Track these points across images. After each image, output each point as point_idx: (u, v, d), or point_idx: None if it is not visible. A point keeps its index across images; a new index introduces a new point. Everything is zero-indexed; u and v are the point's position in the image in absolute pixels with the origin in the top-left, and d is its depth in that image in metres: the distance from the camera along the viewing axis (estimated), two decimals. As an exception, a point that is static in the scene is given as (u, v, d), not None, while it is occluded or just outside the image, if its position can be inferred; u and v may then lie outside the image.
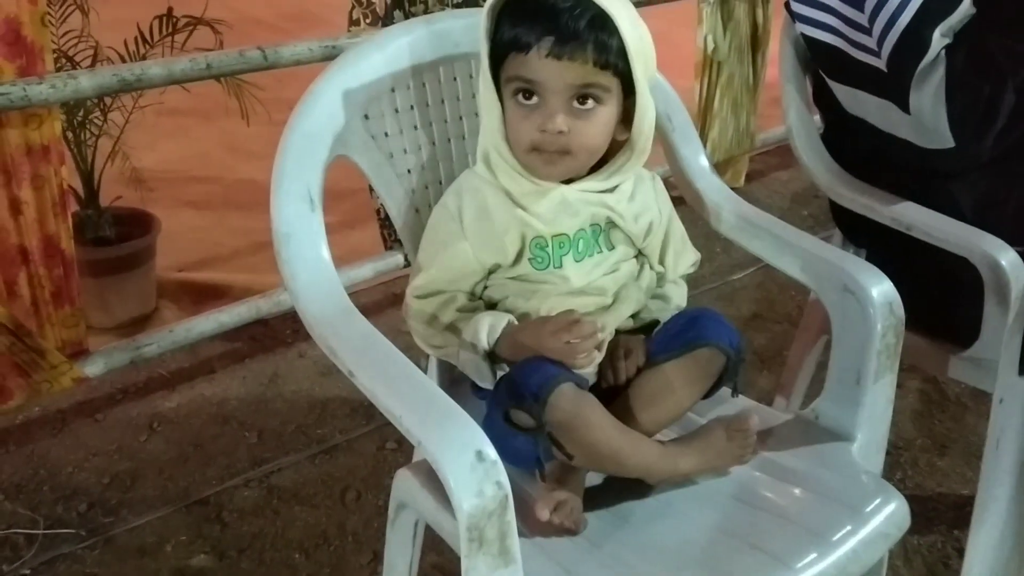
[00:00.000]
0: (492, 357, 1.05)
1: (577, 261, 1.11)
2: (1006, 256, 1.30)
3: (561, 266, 1.10)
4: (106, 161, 2.25)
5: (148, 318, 2.36)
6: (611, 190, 1.11)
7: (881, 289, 1.17)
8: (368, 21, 2.04)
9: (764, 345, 2.38)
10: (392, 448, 1.93)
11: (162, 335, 1.93)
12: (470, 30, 1.22)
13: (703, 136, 2.79)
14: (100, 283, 2.22)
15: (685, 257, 1.22)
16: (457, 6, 2.07)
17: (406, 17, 2.01)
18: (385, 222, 2.27)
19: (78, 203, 2.22)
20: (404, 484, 1.09)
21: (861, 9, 1.35)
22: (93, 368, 1.82)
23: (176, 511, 1.76)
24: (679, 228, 1.22)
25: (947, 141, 1.33)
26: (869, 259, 1.52)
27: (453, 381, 1.22)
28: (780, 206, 3.11)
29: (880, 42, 1.33)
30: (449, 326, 1.08)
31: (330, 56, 1.91)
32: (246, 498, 1.80)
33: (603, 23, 0.99)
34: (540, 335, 1.01)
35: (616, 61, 1.01)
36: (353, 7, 2.04)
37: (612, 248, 1.13)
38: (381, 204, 2.24)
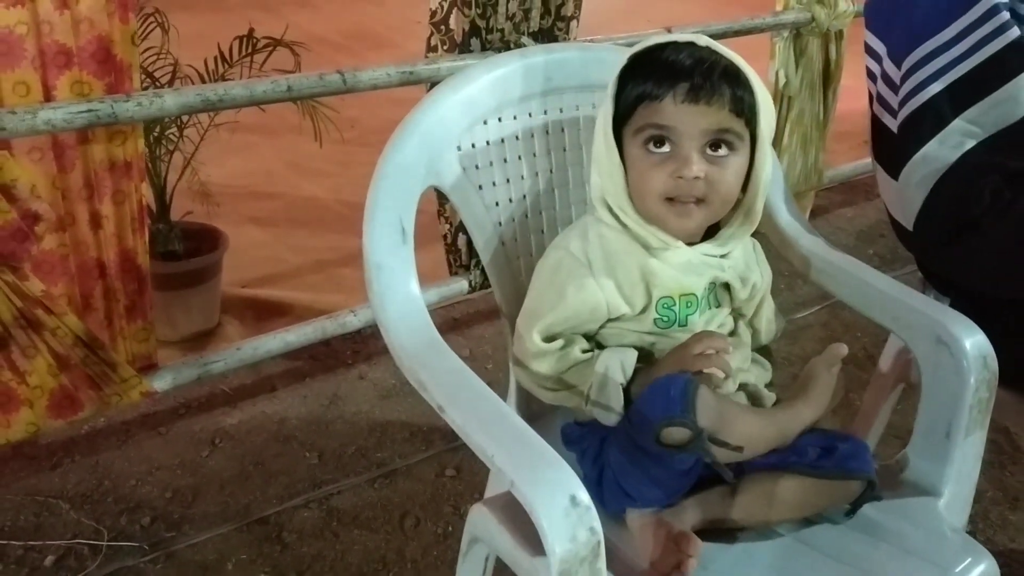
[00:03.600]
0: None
1: (701, 317, 1.11)
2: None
3: (686, 324, 1.09)
4: (179, 176, 2.28)
5: (211, 333, 2.38)
6: (726, 255, 1.11)
7: (975, 341, 1.14)
8: (445, 48, 2.04)
9: (828, 386, 2.33)
10: (451, 475, 1.92)
11: (229, 352, 1.94)
12: (562, 65, 1.22)
13: (770, 171, 2.76)
14: (167, 297, 2.24)
15: (775, 324, 1.22)
16: (533, 34, 2.07)
17: (483, 45, 2.01)
18: (452, 248, 2.26)
19: (150, 217, 2.25)
20: (480, 519, 1.08)
21: (899, 66, 1.33)
22: (161, 383, 1.84)
23: (237, 529, 1.76)
24: (770, 296, 1.21)
25: (908, 221, 1.30)
26: (953, 306, 1.50)
27: (531, 417, 1.21)
28: (845, 243, 3.07)
29: (902, 103, 1.31)
30: (572, 368, 1.06)
31: (407, 81, 1.92)
32: (306, 519, 1.79)
33: (736, 75, 1.02)
34: (684, 358, 1.01)
35: (748, 111, 1.02)
36: (432, 33, 2.05)
37: (719, 306, 1.13)
38: (448, 229, 2.24)
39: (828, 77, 2.71)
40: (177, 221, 2.32)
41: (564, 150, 1.24)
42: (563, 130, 1.23)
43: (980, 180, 1.28)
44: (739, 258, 1.14)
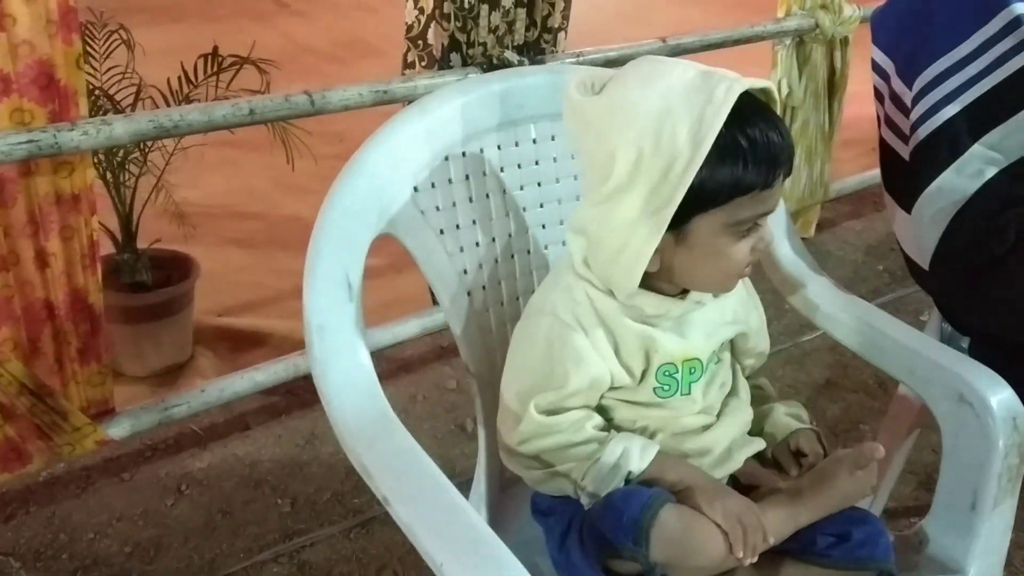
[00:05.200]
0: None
1: (703, 383, 0.99)
2: None
3: (689, 392, 0.97)
4: (145, 201, 2.15)
5: (183, 367, 2.25)
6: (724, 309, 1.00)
7: (1003, 400, 1.01)
8: (424, 64, 1.92)
9: (838, 416, 2.20)
10: (433, 522, 1.79)
11: (192, 395, 1.81)
12: (536, 90, 1.09)
13: (773, 186, 2.63)
14: (135, 330, 2.12)
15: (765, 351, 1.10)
16: (518, 48, 1.94)
17: (464, 60, 1.88)
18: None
19: (115, 246, 2.13)
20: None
21: (910, 86, 1.19)
22: (118, 430, 1.71)
23: (199, 588, 1.63)
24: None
25: (923, 260, 1.16)
26: (973, 346, 1.36)
27: (504, 484, 1.08)
28: (853, 259, 2.93)
29: (914, 127, 1.17)
30: (580, 444, 0.93)
31: (381, 101, 1.79)
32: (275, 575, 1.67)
33: None
34: (736, 498, 0.90)
35: None
36: (408, 49, 1.92)
37: (720, 360, 1.02)
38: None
39: (833, 86, 2.58)
40: (145, 249, 2.19)
41: (539, 185, 1.11)
42: (537, 163, 1.10)
43: (1003, 214, 1.15)
44: (735, 303, 1.02)
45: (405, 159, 1.00)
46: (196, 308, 2.32)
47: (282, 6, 5.74)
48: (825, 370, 2.36)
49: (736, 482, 1.01)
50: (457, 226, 1.05)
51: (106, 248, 2.14)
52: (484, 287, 1.06)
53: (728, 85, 0.86)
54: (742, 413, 1.03)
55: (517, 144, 1.09)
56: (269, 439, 2.03)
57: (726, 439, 1.00)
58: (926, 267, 1.18)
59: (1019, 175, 1.16)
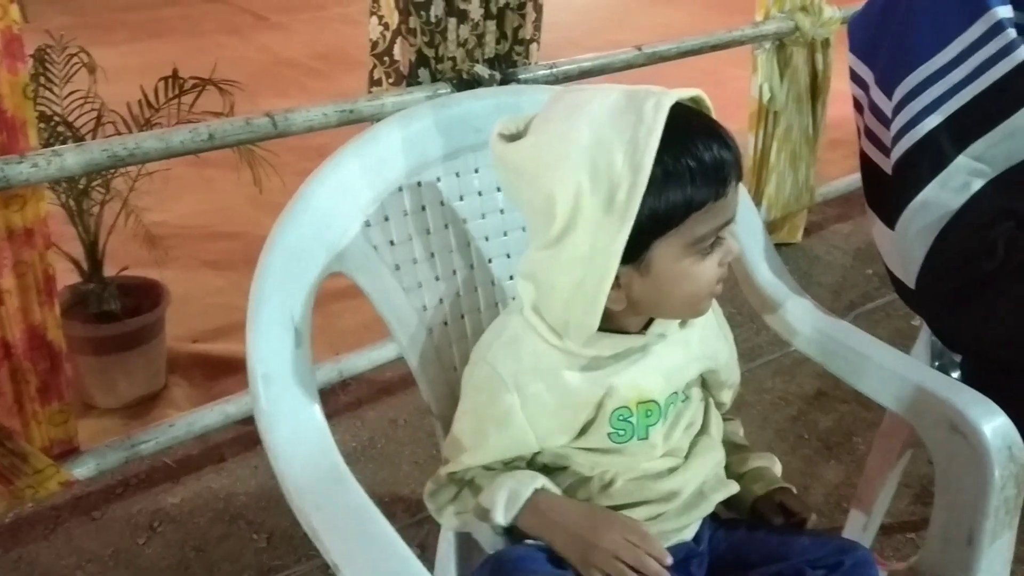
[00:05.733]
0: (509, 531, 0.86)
1: (663, 426, 0.93)
2: None
3: (647, 436, 0.91)
4: (111, 228, 2.08)
5: (157, 396, 2.19)
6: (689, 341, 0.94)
7: (997, 428, 0.96)
8: (391, 81, 1.86)
9: (830, 428, 2.14)
10: (416, 553, 1.73)
11: (160, 430, 1.75)
12: (493, 113, 1.03)
13: (758, 192, 2.58)
14: (104, 362, 2.05)
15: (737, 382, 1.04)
16: (489, 61, 1.89)
17: (433, 76, 1.83)
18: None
19: (80, 275, 2.06)
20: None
21: (890, 96, 1.14)
22: (83, 470, 1.65)
23: (171, 633, 1.57)
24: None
25: (909, 278, 1.10)
26: (965, 363, 1.31)
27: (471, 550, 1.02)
28: (842, 264, 2.88)
29: (896, 139, 1.11)
30: (473, 489, 0.90)
31: (347, 121, 1.73)
32: (250, 617, 1.61)
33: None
34: (607, 532, 0.84)
35: None
36: (374, 66, 1.86)
37: (687, 399, 0.95)
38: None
39: (816, 89, 2.53)
40: (113, 277, 2.12)
41: (501, 212, 1.05)
42: (498, 189, 1.05)
43: (992, 229, 1.09)
44: (701, 335, 0.96)
45: (354, 192, 0.94)
46: (169, 334, 2.26)
47: (261, 20, 5.68)
48: (815, 380, 2.31)
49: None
50: (414, 260, 0.99)
51: (73, 278, 2.09)
52: (446, 323, 1.01)
53: (656, 101, 0.81)
54: (713, 453, 0.97)
55: (476, 171, 1.03)
56: (245, 471, 1.97)
57: (696, 481, 0.94)
58: (912, 285, 1.13)
59: (1006, 187, 1.11)
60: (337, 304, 2.41)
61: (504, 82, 1.86)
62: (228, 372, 2.28)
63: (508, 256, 1.05)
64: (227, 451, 2.02)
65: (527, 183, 0.84)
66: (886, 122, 1.16)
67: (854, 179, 3.04)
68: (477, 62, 1.87)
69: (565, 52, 2.11)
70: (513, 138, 0.86)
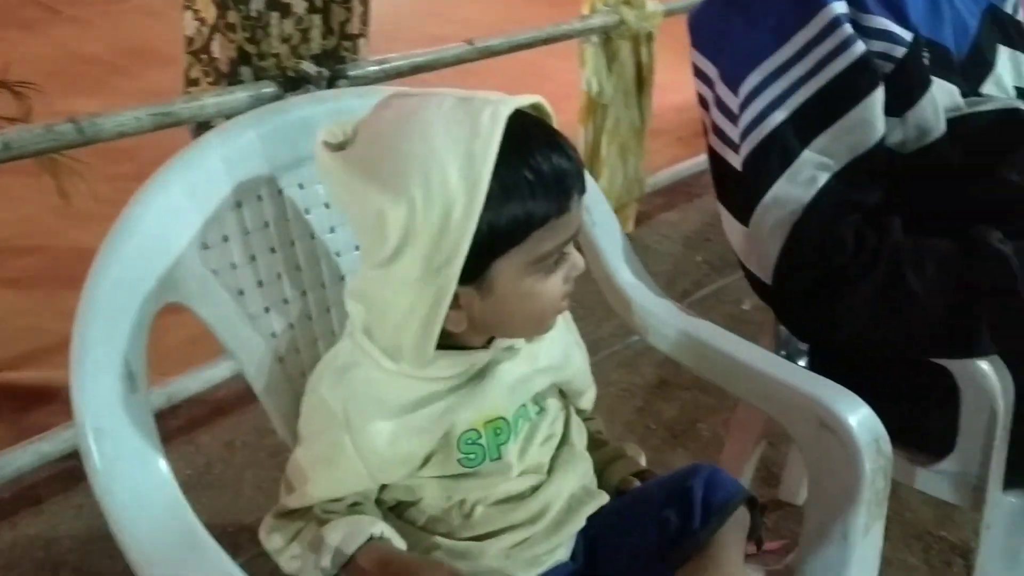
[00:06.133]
0: None
1: (515, 443, 0.87)
2: (989, 363, 1.11)
3: (500, 456, 0.85)
4: None
5: (-41, 437, 1.96)
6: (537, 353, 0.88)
7: (864, 422, 0.96)
8: (210, 80, 1.73)
9: (674, 417, 2.17)
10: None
11: (-37, 478, 1.56)
12: (340, 117, 0.94)
13: (592, 185, 2.58)
14: None
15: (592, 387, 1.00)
16: (316, 58, 1.78)
17: (255, 75, 1.71)
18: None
19: None
20: None
21: (736, 93, 1.14)
22: None
23: None
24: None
25: (766, 274, 1.13)
26: (813, 353, 1.33)
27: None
28: (672, 252, 2.94)
29: (744, 136, 1.12)
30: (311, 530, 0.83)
31: (163, 124, 1.59)
32: None
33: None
34: None
35: None
36: (191, 65, 1.73)
37: (543, 411, 0.89)
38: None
39: (642, 82, 2.55)
40: None
41: (333, 230, 0.97)
42: (327, 206, 0.97)
43: (840, 222, 1.11)
44: (550, 345, 0.90)
45: (184, 212, 0.84)
46: (-32, 368, 2.03)
47: (54, 13, 5.26)
48: (657, 369, 2.34)
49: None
50: (259, 283, 0.89)
51: None
52: (298, 350, 0.92)
53: (493, 110, 0.75)
54: (579, 464, 0.93)
55: (302, 187, 0.95)
56: (68, 512, 1.79)
57: (562, 497, 0.90)
58: (769, 281, 1.13)
59: (849, 179, 1.12)
60: (161, 319, 2.25)
61: (333, 79, 1.76)
62: (41, 403, 2.07)
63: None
64: (44, 492, 1.83)
65: (355, 198, 0.77)
66: (733, 118, 1.15)
67: (678, 169, 3.13)
68: (303, 59, 1.76)
69: (379, 48, 2.03)
70: (340, 147, 0.79)
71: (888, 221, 1.12)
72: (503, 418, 0.85)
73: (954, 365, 1.12)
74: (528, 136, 0.77)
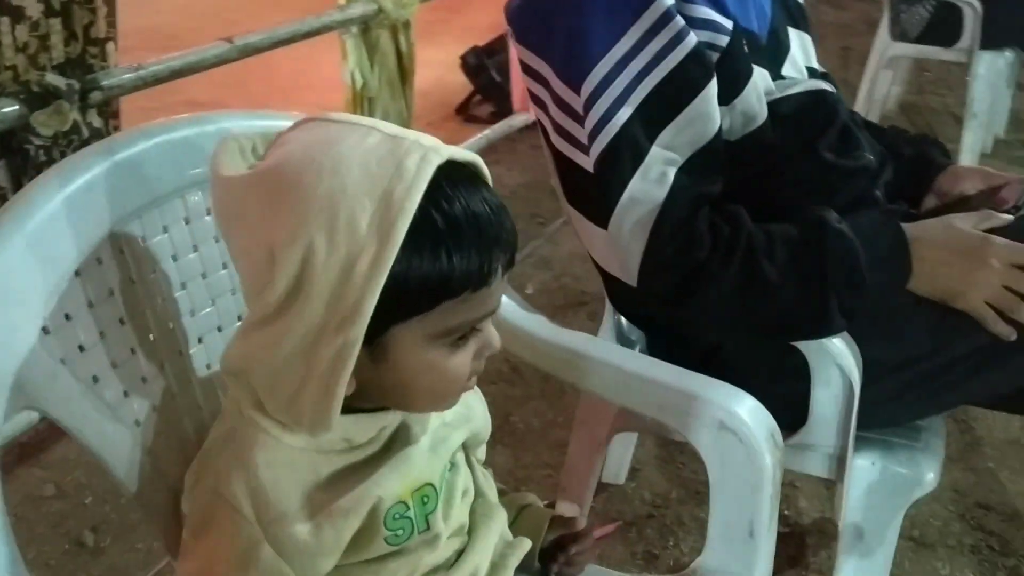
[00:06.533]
0: None
1: (441, 508, 0.78)
2: (840, 337, 1.15)
3: (428, 527, 0.76)
4: None
5: None
6: None
7: (758, 417, 0.97)
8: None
9: (483, 412, 2.13)
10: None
11: None
12: (176, 151, 0.80)
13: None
14: None
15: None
16: (60, 67, 1.54)
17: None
18: None
19: None
20: None
21: (578, 91, 1.10)
22: None
23: None
24: None
25: (630, 276, 1.12)
26: (649, 338, 1.33)
27: None
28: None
29: (593, 136, 1.10)
30: None
31: None
32: None
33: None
34: None
35: None
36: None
37: (454, 466, 0.81)
38: None
39: (403, 71, 2.48)
40: None
41: (203, 276, 0.84)
42: (196, 248, 0.83)
43: (696, 217, 1.10)
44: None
45: (20, 290, 0.67)
46: None
47: None
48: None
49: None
50: (114, 364, 0.74)
51: None
52: (167, 436, 0.77)
53: (422, 155, 0.65)
54: (497, 516, 0.85)
55: (165, 229, 0.80)
56: None
57: (487, 555, 0.82)
58: (634, 283, 1.11)
59: (694, 172, 1.12)
60: None
61: (85, 91, 1.54)
62: None
63: (220, 329, 0.84)
64: None
65: (246, 231, 0.66)
66: (578, 118, 1.11)
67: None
68: (45, 69, 1.53)
69: (137, 47, 1.82)
70: (243, 165, 0.67)
71: (735, 211, 1.14)
72: (431, 484, 0.76)
73: (806, 343, 1.16)
74: (458, 193, 0.66)
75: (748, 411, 0.96)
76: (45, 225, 0.70)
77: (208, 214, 0.83)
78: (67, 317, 0.70)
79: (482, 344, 0.72)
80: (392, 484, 0.73)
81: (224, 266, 0.85)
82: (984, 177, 1.33)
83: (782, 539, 1.77)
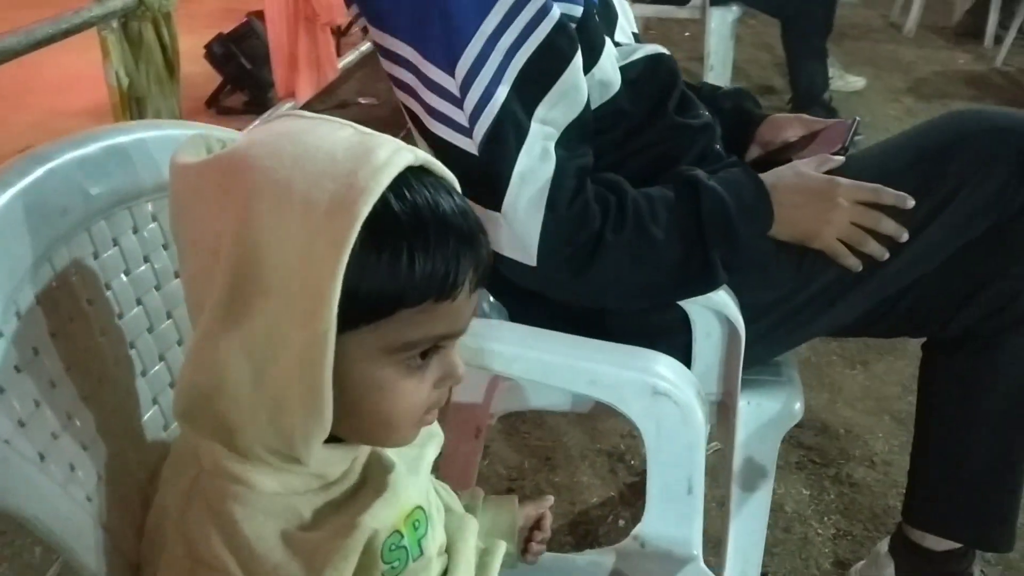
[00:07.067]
0: None
1: (431, 531, 0.74)
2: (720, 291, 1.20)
3: (421, 552, 0.71)
4: None
5: None
6: None
7: (685, 378, 1.01)
8: None
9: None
10: None
11: None
12: (86, 172, 0.69)
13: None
14: None
15: None
16: None
17: None
18: None
19: None
20: None
21: (452, 74, 1.07)
22: None
23: None
24: None
25: (528, 257, 1.11)
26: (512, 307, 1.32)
27: None
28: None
29: (474, 118, 1.08)
30: None
31: None
32: None
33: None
34: None
35: None
36: None
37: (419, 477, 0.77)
38: None
39: (169, 65, 2.29)
40: None
41: (156, 288, 0.74)
42: (147, 259, 0.73)
43: (583, 188, 1.11)
44: None
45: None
46: None
47: None
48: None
49: None
50: (53, 435, 0.63)
51: None
52: (118, 507, 0.67)
53: (395, 148, 0.61)
54: (469, 526, 0.82)
55: (115, 242, 0.70)
56: None
57: (471, 570, 0.79)
58: (533, 262, 1.09)
59: (569, 145, 1.12)
60: None
61: None
62: None
63: (161, 359, 0.75)
64: None
65: (196, 221, 0.60)
66: (455, 101, 1.08)
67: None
68: None
69: None
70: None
71: (614, 178, 1.15)
72: (419, 507, 0.72)
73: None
74: (426, 191, 0.62)
75: (675, 373, 0.98)
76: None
77: (154, 219, 0.73)
78: (1, 388, 0.59)
79: (444, 372, 0.66)
80: (385, 514, 0.68)
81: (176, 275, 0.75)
82: (802, 123, 1.43)
83: (635, 489, 1.88)
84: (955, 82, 4.54)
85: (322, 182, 0.57)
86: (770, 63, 4.57)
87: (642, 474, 1.93)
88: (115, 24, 2.08)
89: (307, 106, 3.30)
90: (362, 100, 3.68)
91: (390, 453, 0.71)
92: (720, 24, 3.58)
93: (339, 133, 0.61)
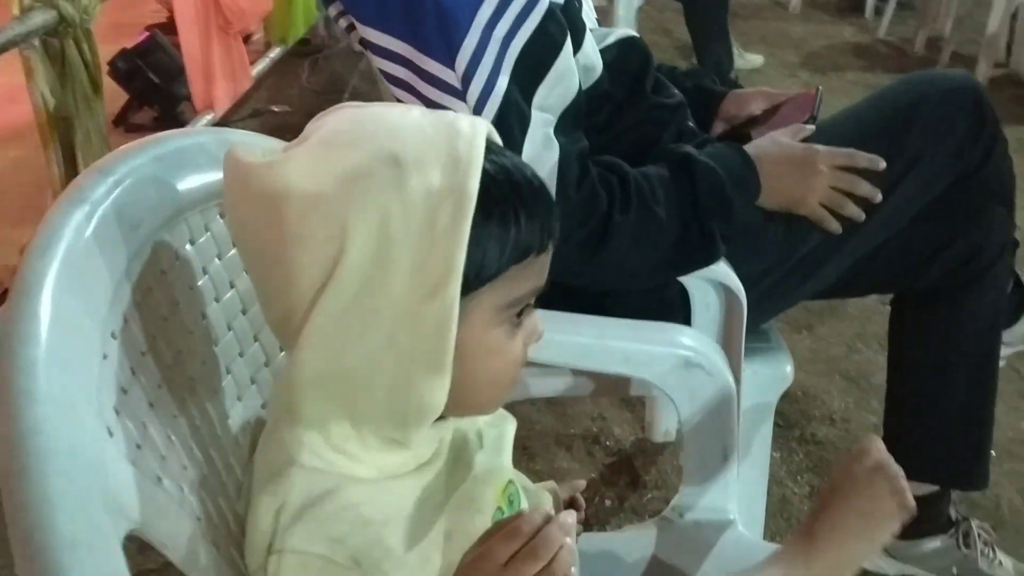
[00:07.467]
0: None
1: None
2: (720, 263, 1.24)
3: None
4: None
5: None
6: None
7: (712, 347, 1.03)
8: None
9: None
10: None
11: None
12: (157, 189, 0.68)
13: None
14: None
15: None
16: None
17: None
18: None
19: None
20: None
21: (452, 67, 1.08)
22: None
23: None
24: None
25: None
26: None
27: None
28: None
29: (477, 111, 1.08)
30: None
31: None
32: None
33: None
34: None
35: None
36: None
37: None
38: None
39: (93, 83, 2.21)
40: None
41: (231, 286, 0.72)
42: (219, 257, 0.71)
43: (587, 171, 1.12)
44: None
45: (84, 377, 0.53)
46: None
47: None
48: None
49: None
50: (162, 456, 0.61)
51: None
52: (221, 519, 0.66)
53: (471, 119, 0.65)
54: (545, 499, 0.83)
55: (192, 242, 0.68)
56: None
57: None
58: None
59: (567, 131, 1.14)
60: None
61: None
62: None
63: (237, 355, 0.73)
64: None
65: (299, 214, 0.59)
66: (458, 94, 1.08)
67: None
68: None
69: None
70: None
71: (612, 160, 1.17)
72: (511, 480, 0.74)
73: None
74: (507, 157, 0.66)
75: (703, 344, 1.01)
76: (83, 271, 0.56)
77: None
78: (116, 411, 0.57)
79: (530, 329, 0.69)
80: (484, 493, 0.70)
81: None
82: (766, 97, 1.48)
83: (615, 469, 1.92)
84: (844, 54, 4.73)
85: (427, 158, 0.60)
86: (670, 46, 4.68)
87: (619, 454, 1.97)
88: (36, 43, 1.99)
89: (224, 117, 3.21)
90: (275, 108, 3.61)
91: (473, 434, 0.73)
92: (627, 11, 3.64)
93: (412, 112, 0.64)
